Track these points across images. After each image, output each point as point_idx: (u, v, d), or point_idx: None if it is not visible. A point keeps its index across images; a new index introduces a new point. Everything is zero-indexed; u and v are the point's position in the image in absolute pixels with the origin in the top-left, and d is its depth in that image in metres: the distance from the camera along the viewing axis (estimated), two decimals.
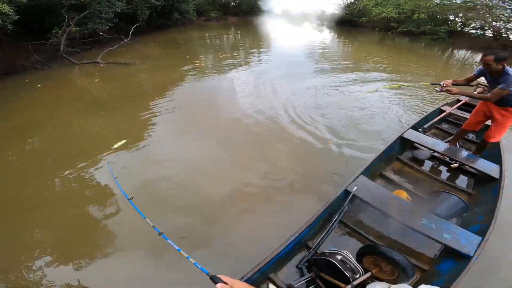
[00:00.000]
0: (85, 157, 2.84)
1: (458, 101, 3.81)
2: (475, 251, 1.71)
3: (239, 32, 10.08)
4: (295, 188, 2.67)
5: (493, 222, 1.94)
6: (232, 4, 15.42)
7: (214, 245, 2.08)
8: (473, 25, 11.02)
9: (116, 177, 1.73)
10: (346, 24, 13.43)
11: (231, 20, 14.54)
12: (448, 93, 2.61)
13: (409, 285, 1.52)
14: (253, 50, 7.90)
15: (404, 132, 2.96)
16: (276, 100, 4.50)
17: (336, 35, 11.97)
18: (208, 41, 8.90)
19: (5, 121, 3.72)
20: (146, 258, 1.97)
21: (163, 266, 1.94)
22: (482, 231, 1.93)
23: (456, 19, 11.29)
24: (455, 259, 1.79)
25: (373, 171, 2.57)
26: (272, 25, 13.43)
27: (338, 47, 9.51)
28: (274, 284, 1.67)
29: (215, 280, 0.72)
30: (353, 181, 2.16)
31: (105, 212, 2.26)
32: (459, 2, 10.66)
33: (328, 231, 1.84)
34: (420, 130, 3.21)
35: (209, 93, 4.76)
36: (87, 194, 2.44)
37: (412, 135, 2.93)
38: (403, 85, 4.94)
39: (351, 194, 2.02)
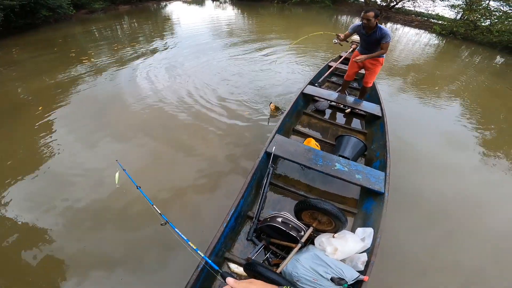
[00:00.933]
0: None
1: (340, 57, 4.50)
2: (384, 187, 1.92)
3: (134, 21, 8.88)
4: (224, 168, 2.64)
5: (388, 156, 2.26)
6: None
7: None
8: None
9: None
10: None
11: (123, 9, 12.66)
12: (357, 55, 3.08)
13: (346, 229, 1.65)
14: (156, 37, 7.13)
15: (304, 88, 3.28)
16: (189, 81, 4.30)
17: (239, 11, 12.04)
18: (96, 34, 7.52)
19: None
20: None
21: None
22: (383, 166, 2.22)
23: None
24: (372, 198, 1.98)
25: (286, 128, 2.72)
26: (172, 9, 12.41)
27: (243, 22, 9.63)
28: (233, 262, 1.62)
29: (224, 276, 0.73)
30: (271, 141, 2.21)
31: None
32: None
33: (262, 196, 1.84)
34: (316, 84, 3.66)
35: (107, 88, 4.10)
36: None
37: (311, 90, 3.29)
38: (312, 35, 5.43)
39: (272, 155, 2.06)
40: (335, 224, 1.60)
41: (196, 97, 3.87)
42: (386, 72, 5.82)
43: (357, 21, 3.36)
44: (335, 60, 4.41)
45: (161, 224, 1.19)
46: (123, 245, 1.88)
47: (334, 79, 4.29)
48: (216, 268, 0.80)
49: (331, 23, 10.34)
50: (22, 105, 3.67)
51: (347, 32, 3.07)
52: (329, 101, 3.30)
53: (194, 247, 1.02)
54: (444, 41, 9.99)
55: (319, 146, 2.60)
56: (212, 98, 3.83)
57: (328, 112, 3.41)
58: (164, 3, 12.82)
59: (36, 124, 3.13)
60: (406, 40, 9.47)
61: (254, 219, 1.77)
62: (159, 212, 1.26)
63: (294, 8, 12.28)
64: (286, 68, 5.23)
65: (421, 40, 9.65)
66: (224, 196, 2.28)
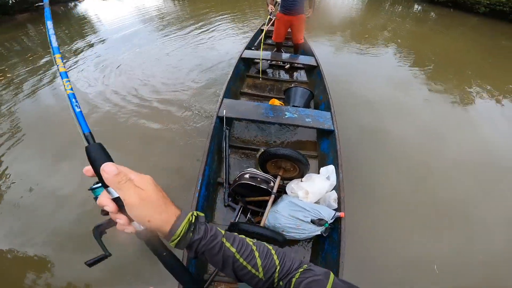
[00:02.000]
0: None
1: (270, 19, 4.66)
2: (333, 125, 2.09)
3: (41, 27, 7.71)
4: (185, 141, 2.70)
5: (329, 97, 2.50)
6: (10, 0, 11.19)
7: None
8: None
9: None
10: None
11: (21, 18, 10.78)
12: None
13: (312, 173, 1.76)
14: (76, 39, 6.32)
15: (242, 53, 3.41)
16: (129, 73, 4.12)
17: None
18: (1, 50, 6.39)
19: None
20: None
21: None
22: (327, 107, 2.44)
23: None
24: (326, 137, 2.16)
25: (233, 92, 2.83)
26: (86, 8, 10.96)
27: (175, 7, 9.02)
28: None
29: (91, 151, 0.44)
30: (220, 105, 2.27)
31: None
32: None
33: (226, 160, 1.92)
34: (253, 48, 3.85)
35: (38, 102, 3.63)
36: None
37: (249, 53, 3.44)
38: None
39: (224, 117, 2.12)
40: (299, 168, 1.70)
41: (139, 85, 3.79)
42: (324, 31, 6.12)
43: None
44: (266, 24, 4.60)
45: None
46: None
47: (269, 41, 4.50)
48: (86, 130, 0.67)
49: None
50: None
51: None
52: (267, 61, 3.49)
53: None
54: None
55: (283, 104, 2.70)
56: (156, 83, 3.79)
57: (270, 71, 3.64)
58: (73, 3, 11.22)
59: None
60: (333, 1, 9.95)
61: (224, 183, 1.83)
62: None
63: None
64: (224, 39, 5.42)
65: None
66: (191, 171, 2.28)
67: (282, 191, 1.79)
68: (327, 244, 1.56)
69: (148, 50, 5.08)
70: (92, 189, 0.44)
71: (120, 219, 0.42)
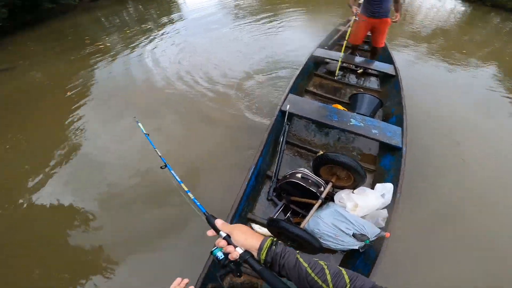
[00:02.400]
0: None
1: (349, 20, 4.34)
2: (402, 142, 1.93)
3: (140, 6, 8.79)
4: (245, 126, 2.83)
5: (404, 111, 2.28)
6: None
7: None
8: None
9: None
10: None
11: None
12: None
13: (365, 187, 1.66)
14: (164, 20, 7.07)
15: (314, 51, 3.30)
16: (204, 56, 4.38)
17: None
18: (104, 21, 7.56)
19: None
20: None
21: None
22: (399, 121, 2.24)
23: None
24: (390, 153, 2.00)
25: (299, 88, 2.79)
26: None
27: None
28: (255, 222, 1.70)
29: (210, 220, 0.74)
30: (285, 100, 2.24)
31: None
32: None
33: (279, 155, 1.89)
34: (326, 47, 3.67)
35: (127, 70, 4.23)
36: None
37: (321, 52, 3.31)
38: None
39: (287, 113, 2.08)
40: (354, 179, 1.62)
41: (210, 68, 4.04)
42: (410, 38, 5.54)
43: None
44: (343, 24, 4.36)
45: (161, 167, 1.18)
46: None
47: (342, 42, 4.28)
48: (203, 210, 0.82)
49: None
50: (48, 92, 3.87)
51: None
52: (339, 62, 3.28)
53: (186, 189, 1.02)
54: (471, 7, 9.15)
55: (346, 109, 2.60)
56: (226, 70, 3.98)
57: (340, 73, 3.42)
58: None
59: (64, 110, 3.33)
60: (430, 6, 8.76)
61: (273, 177, 1.82)
62: (160, 155, 1.28)
63: None
64: (296, 34, 5.33)
65: (445, 7, 8.90)
66: (242, 161, 2.36)
67: (329, 198, 1.75)
68: (360, 260, 1.49)
69: (222, 35, 5.38)
70: (212, 251, 0.71)
71: (230, 247, 0.67)
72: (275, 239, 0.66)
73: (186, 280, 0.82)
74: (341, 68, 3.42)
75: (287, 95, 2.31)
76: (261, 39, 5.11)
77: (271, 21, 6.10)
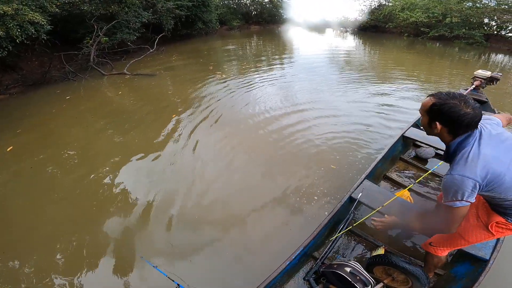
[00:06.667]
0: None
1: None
2: (491, 254, 1.61)
3: (261, 41, 10.08)
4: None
5: None
6: (253, 13, 15.57)
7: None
8: (510, 27, 10.26)
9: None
10: (371, 30, 12.90)
11: (253, 29, 14.67)
12: None
13: None
14: (276, 60, 7.80)
15: (405, 131, 2.78)
16: (304, 109, 4.36)
17: (361, 41, 11.54)
18: (231, 50, 8.99)
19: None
20: None
21: None
22: None
23: (492, 22, 10.56)
24: (470, 262, 1.69)
25: (377, 173, 2.43)
26: (294, 33, 13.36)
27: (364, 54, 9.13)
28: None
29: None
30: (358, 186, 2.02)
31: None
32: (493, 5, 9.91)
33: (334, 241, 1.75)
34: (421, 128, 2.91)
35: (233, 106, 4.65)
36: None
37: (414, 133, 2.75)
38: None
39: (356, 201, 1.88)
40: (412, 284, 1.48)
41: (304, 119, 4.01)
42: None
43: None
44: None
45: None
46: None
47: None
48: None
49: (480, 63, 8.28)
50: (168, 106, 4.76)
51: None
52: (435, 149, 2.71)
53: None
54: None
55: (412, 200, 2.16)
56: (320, 132, 3.66)
57: (433, 161, 2.79)
58: (286, 28, 14.05)
59: (173, 124, 4.01)
60: None
61: (318, 260, 1.69)
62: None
63: (430, 42, 10.63)
64: (400, 104, 4.42)
65: None
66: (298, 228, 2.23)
67: None
68: None
69: (322, 88, 5.27)
70: None
71: None
72: None
73: None
74: (436, 155, 2.79)
75: (362, 180, 2.08)
76: (360, 107, 4.44)
77: (376, 88, 5.38)
